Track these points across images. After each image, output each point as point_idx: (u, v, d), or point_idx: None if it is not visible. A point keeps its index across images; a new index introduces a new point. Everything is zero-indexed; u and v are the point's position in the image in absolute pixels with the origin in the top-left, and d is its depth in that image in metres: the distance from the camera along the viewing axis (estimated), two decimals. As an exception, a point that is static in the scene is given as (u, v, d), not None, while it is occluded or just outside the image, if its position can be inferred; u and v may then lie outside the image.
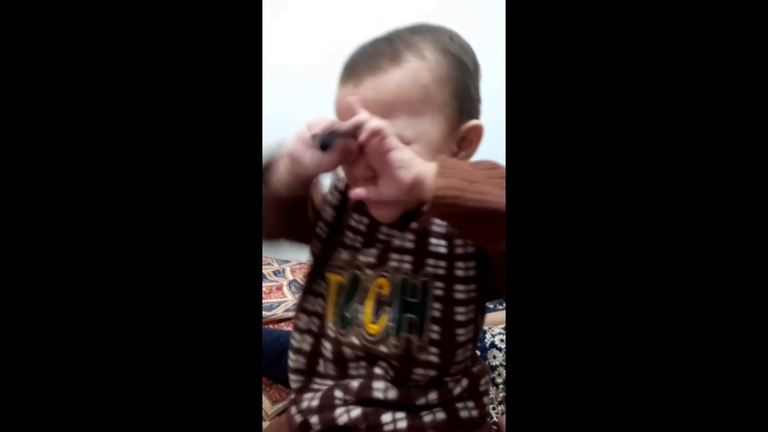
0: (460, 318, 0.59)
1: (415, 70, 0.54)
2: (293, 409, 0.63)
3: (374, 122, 0.49)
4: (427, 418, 0.59)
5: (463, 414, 0.61)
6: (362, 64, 0.55)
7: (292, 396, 0.64)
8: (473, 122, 0.58)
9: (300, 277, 1.56)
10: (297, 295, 1.41)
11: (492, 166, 0.52)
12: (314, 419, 0.60)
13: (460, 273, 0.58)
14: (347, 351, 0.60)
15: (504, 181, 0.48)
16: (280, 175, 0.57)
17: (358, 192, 0.52)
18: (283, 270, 1.65)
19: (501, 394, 0.93)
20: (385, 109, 0.53)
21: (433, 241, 0.59)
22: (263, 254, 1.41)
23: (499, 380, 0.96)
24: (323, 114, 0.57)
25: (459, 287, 0.58)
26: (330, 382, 0.61)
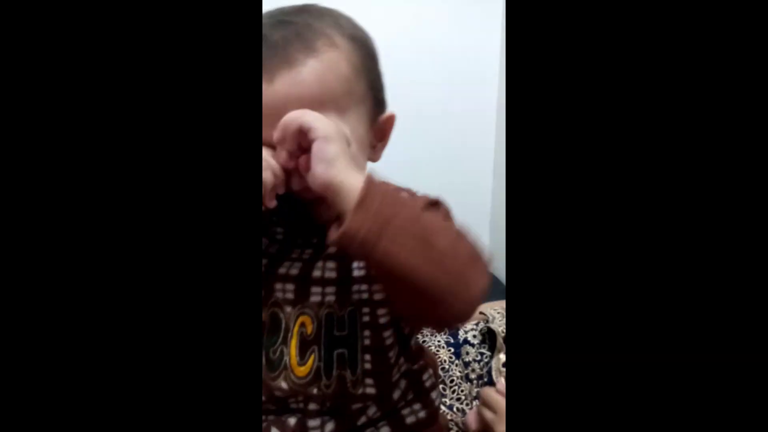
0: (388, 341, 0.55)
1: (334, 60, 0.48)
2: None
3: (299, 120, 0.44)
4: (359, 403, 0.55)
5: (410, 419, 0.58)
6: (268, 55, 0.46)
7: None
8: (389, 113, 0.56)
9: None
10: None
11: (426, 203, 0.46)
12: None
13: (378, 296, 0.54)
14: (279, 393, 0.55)
15: (424, 229, 0.43)
16: None
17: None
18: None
19: (475, 390, 0.92)
20: (310, 106, 0.46)
21: (355, 264, 0.54)
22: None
23: (473, 375, 0.97)
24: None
25: (381, 311, 0.55)
26: (271, 417, 0.57)
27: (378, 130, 0.55)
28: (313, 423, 0.55)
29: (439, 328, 0.54)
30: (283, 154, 0.46)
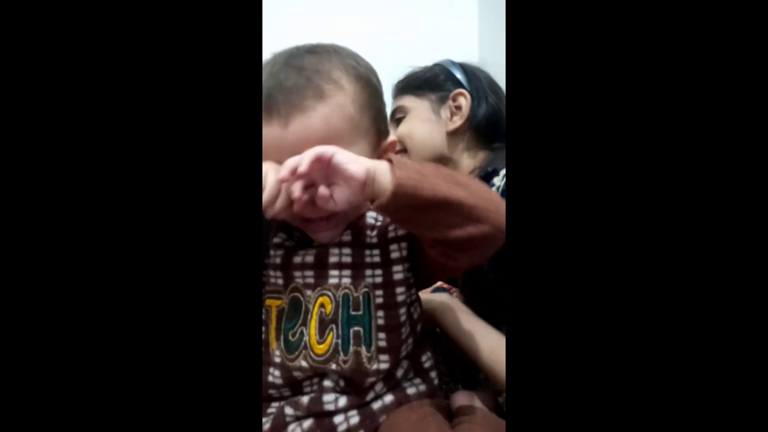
0: (402, 319, 0.62)
1: (341, 104, 0.56)
2: None
3: (312, 152, 0.50)
4: (376, 405, 0.61)
5: (411, 390, 0.64)
6: (283, 101, 0.55)
7: None
8: (391, 139, 0.65)
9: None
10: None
11: (436, 166, 0.57)
12: None
13: (397, 276, 0.62)
14: (297, 374, 0.61)
15: (450, 176, 0.53)
16: None
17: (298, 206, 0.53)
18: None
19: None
20: (320, 144, 0.53)
21: (367, 252, 0.62)
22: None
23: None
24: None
25: (398, 290, 0.62)
26: (283, 402, 0.62)
27: (381, 154, 0.63)
28: (327, 398, 0.60)
29: (483, 251, 0.59)
30: (297, 185, 0.52)
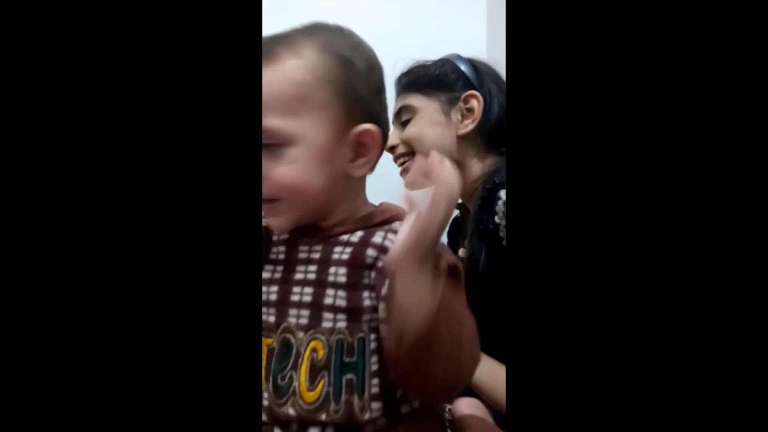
0: None
1: (289, 69, 0.54)
2: None
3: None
4: (368, 429, 0.58)
5: (404, 409, 0.61)
6: None
7: None
8: (364, 126, 0.57)
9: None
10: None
11: (448, 268, 0.50)
12: None
13: None
14: (283, 420, 0.57)
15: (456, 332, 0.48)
16: None
17: None
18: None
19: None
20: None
21: (365, 294, 0.58)
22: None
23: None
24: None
25: None
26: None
27: (355, 144, 0.58)
28: (313, 430, 0.57)
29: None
30: None
